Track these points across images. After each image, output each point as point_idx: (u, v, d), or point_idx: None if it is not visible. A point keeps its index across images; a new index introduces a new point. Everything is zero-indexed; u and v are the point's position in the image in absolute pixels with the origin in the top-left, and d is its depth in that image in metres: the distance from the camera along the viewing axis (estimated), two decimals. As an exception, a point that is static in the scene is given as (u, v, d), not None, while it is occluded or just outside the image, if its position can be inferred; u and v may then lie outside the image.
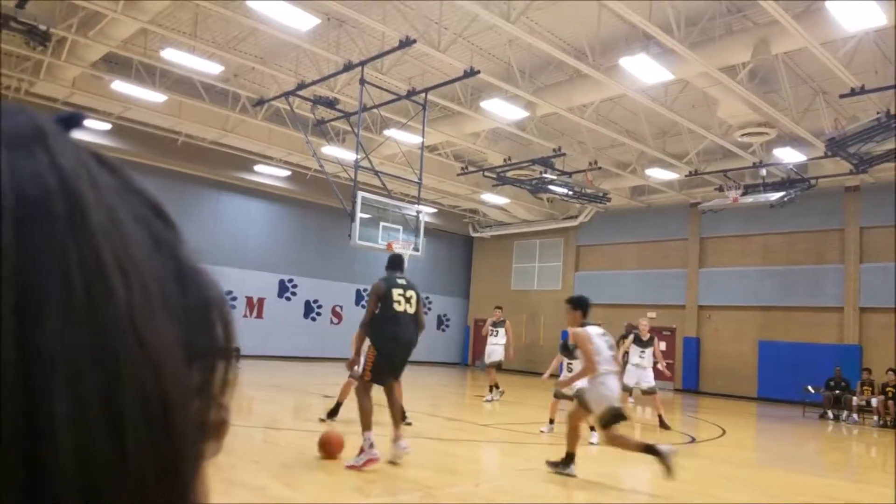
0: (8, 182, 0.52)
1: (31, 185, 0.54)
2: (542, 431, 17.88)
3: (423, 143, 26.79)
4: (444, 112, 31.23)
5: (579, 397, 12.54)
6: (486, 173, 35.49)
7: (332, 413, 16.48)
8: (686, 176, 34.64)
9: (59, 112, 0.70)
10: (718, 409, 29.95)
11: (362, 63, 24.20)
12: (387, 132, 30.88)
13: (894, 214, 33.61)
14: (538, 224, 47.66)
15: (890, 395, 27.80)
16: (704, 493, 11.63)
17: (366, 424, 11.36)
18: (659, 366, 22.00)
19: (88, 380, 0.51)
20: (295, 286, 42.41)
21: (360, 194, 23.55)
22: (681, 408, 29.72)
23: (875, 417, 27.70)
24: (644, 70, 22.83)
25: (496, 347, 25.42)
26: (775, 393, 35.52)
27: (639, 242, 43.99)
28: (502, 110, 28.02)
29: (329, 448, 11.94)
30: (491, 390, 25.12)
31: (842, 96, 23.54)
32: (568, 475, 12.11)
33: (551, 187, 34.48)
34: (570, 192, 35.16)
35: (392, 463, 11.76)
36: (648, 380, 21.49)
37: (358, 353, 12.40)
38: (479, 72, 24.14)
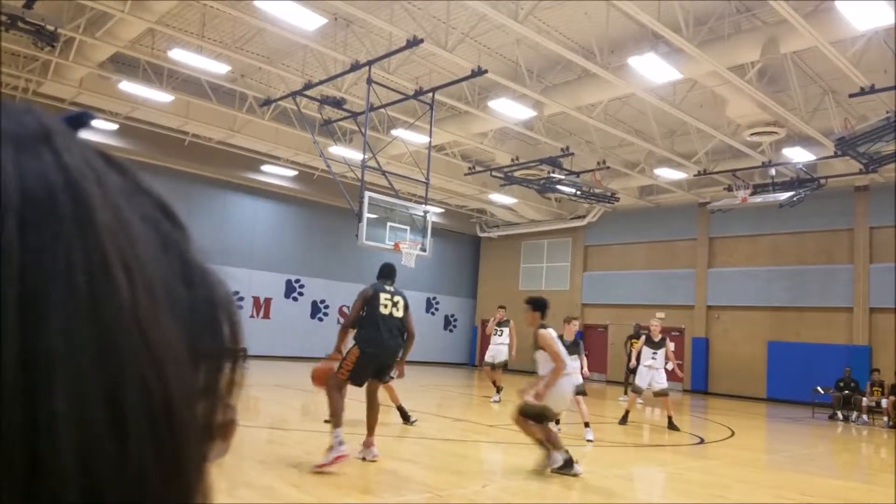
0: (12, 181, 0.52)
1: (36, 185, 0.53)
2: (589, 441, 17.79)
3: (430, 142, 26.78)
4: (452, 112, 31.18)
5: (528, 407, 12.69)
6: (494, 173, 35.42)
7: None
8: (695, 175, 34.56)
9: (67, 112, 0.64)
10: (727, 409, 29.87)
11: (369, 63, 24.15)
12: (394, 132, 30.90)
13: (904, 214, 33.56)
14: (546, 224, 47.59)
15: (900, 395, 27.75)
16: (714, 495, 11.54)
17: (335, 422, 11.26)
18: (669, 366, 21.88)
19: (91, 379, 0.51)
20: (302, 286, 42.39)
21: (368, 194, 23.51)
22: (689, 408, 29.62)
23: (885, 418, 27.56)
24: (653, 69, 22.76)
25: (501, 348, 25.38)
26: (785, 394, 35.45)
27: (647, 242, 43.93)
28: (510, 110, 27.96)
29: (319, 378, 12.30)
30: (499, 391, 25.07)
31: (851, 95, 23.47)
32: (573, 474, 12.12)
33: (559, 187, 34.39)
34: (578, 192, 35.06)
35: (362, 459, 11.85)
36: (661, 381, 21.40)
37: (339, 350, 12.33)
38: (486, 71, 24.08)
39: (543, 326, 13.08)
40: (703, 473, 13.66)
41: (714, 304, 40.46)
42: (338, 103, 27.50)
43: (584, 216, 45.37)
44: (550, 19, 23.12)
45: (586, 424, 17.52)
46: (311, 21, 21.84)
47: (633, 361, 23.01)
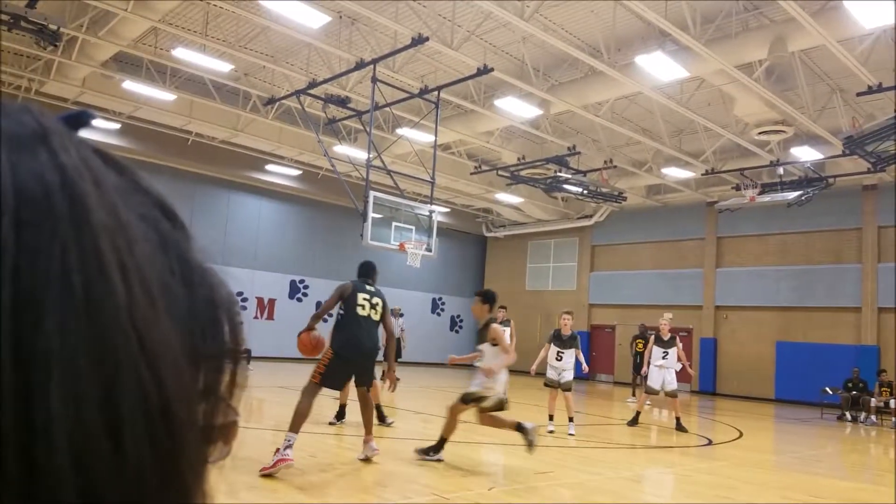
0: (8, 181, 0.53)
1: (32, 185, 0.54)
2: (550, 431, 18.08)
3: (435, 141, 26.67)
4: (458, 110, 31.12)
5: (471, 395, 12.83)
6: (500, 172, 35.38)
7: (339, 416, 16.35)
8: (702, 175, 34.44)
9: (67, 111, 0.65)
10: (735, 410, 29.80)
11: (374, 61, 24.10)
12: (399, 131, 30.80)
13: (912, 213, 33.48)
14: (553, 223, 47.57)
15: (908, 396, 27.65)
16: (722, 496, 11.43)
17: (293, 425, 11.07)
18: (679, 365, 21.76)
19: (87, 380, 0.51)
20: (306, 287, 42.25)
21: (373, 194, 23.45)
22: (697, 409, 29.53)
23: (893, 419, 27.43)
24: (660, 67, 22.67)
25: None
26: (793, 394, 35.38)
27: (655, 242, 43.90)
28: (516, 108, 27.87)
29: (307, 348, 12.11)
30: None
31: (859, 94, 23.38)
32: (437, 460, 12.48)
33: (566, 186, 34.34)
34: (585, 191, 34.99)
35: (365, 460, 11.83)
36: (672, 382, 21.34)
37: (310, 328, 12.23)
38: (492, 69, 23.98)
39: (493, 320, 13.32)
40: (710, 475, 13.56)
41: (722, 305, 40.40)
42: (342, 102, 27.44)
43: (591, 216, 45.40)
44: (557, 17, 23.03)
45: (570, 419, 18.17)
46: (315, 19, 21.78)
47: (646, 367, 22.89)
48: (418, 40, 22.06)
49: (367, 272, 12.66)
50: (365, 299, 12.10)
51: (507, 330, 25.17)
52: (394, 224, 24.57)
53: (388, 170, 26.71)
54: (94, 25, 24.55)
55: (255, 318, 39.81)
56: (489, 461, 14.52)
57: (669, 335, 21.92)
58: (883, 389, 28.71)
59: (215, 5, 23.11)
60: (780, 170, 32.01)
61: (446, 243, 43.59)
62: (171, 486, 0.56)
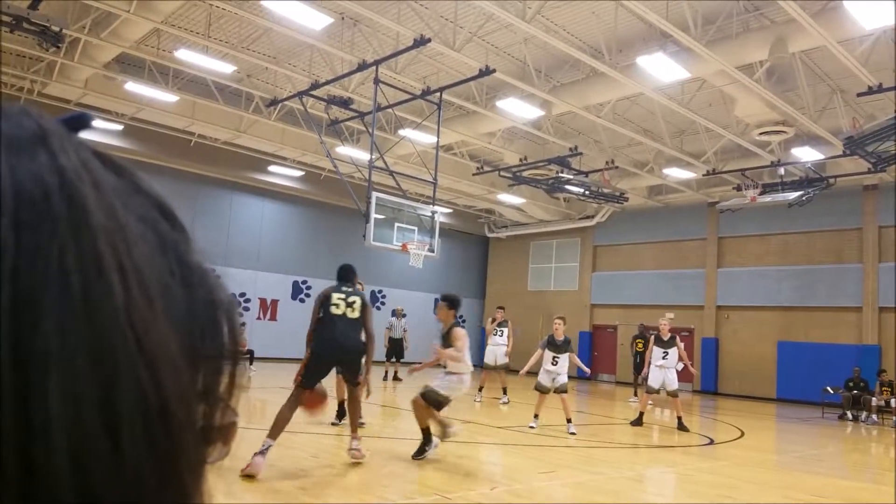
0: (8, 183, 0.53)
1: (31, 186, 0.54)
2: (531, 427, 18.34)
3: (438, 142, 26.72)
4: (460, 111, 31.14)
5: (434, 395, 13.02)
6: (502, 173, 35.38)
7: (339, 415, 16.38)
8: (704, 175, 34.47)
9: (69, 113, 0.65)
10: (737, 410, 29.83)
11: (377, 62, 24.13)
12: (401, 132, 30.82)
13: (913, 213, 33.52)
14: (554, 224, 47.56)
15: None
16: (723, 496, 11.47)
17: (272, 431, 11.02)
18: (679, 365, 21.81)
19: (85, 380, 0.52)
20: (309, 288, 42.13)
21: (375, 195, 23.50)
22: (699, 409, 29.56)
23: (894, 418, 27.47)
24: (661, 68, 22.71)
25: (502, 349, 25.34)
26: (794, 394, 35.40)
27: (656, 242, 43.91)
28: (518, 109, 27.90)
29: (311, 406, 11.94)
30: (504, 392, 25.01)
31: (859, 94, 23.41)
32: (434, 448, 12.85)
33: (568, 187, 34.34)
34: (587, 192, 35.00)
35: (355, 464, 11.75)
36: (673, 382, 21.39)
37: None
38: (494, 71, 24.03)
39: (457, 324, 13.57)
40: (712, 474, 13.60)
41: (723, 305, 40.40)
42: (345, 103, 27.50)
43: (592, 216, 45.36)
44: (558, 18, 23.07)
45: (568, 420, 18.16)
46: (317, 20, 21.80)
47: (646, 368, 22.97)
48: (420, 42, 22.08)
49: (343, 275, 12.67)
50: (340, 298, 12.11)
51: (505, 331, 25.34)
52: (396, 225, 24.61)
53: (390, 171, 26.76)
54: (97, 27, 24.56)
55: (258, 318, 39.81)
56: (491, 461, 14.57)
57: (669, 335, 21.94)
58: (884, 389, 28.74)
59: (218, 7, 23.13)
60: (781, 170, 32.03)
61: (448, 244, 43.65)
62: (170, 486, 0.57)
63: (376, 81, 24.39)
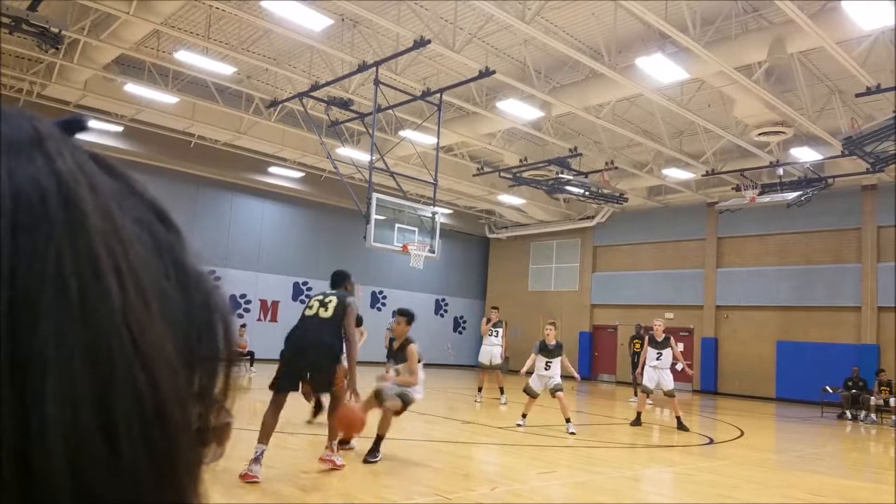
0: (5, 185, 0.53)
1: (28, 189, 0.54)
2: (518, 425, 18.48)
3: (438, 143, 26.76)
4: (460, 112, 31.17)
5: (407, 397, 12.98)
6: (502, 174, 35.40)
7: (316, 412, 16.37)
8: (703, 175, 34.53)
9: (62, 116, 0.64)
10: (737, 409, 29.84)
11: (377, 63, 24.16)
12: (402, 133, 30.83)
13: (911, 213, 33.57)
14: (555, 225, 47.58)
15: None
16: (723, 495, 11.51)
17: (261, 436, 10.57)
18: (678, 367, 21.86)
19: (81, 382, 0.52)
20: (309, 289, 42.06)
21: (375, 195, 23.53)
22: (699, 409, 29.58)
23: (893, 417, 27.52)
24: (660, 69, 22.74)
25: (498, 349, 25.38)
26: (794, 393, 35.44)
27: (656, 242, 43.93)
28: (518, 110, 27.95)
29: (349, 426, 11.25)
30: (502, 392, 25.04)
31: (858, 95, 23.49)
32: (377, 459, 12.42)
33: (568, 188, 34.36)
34: (587, 193, 35.01)
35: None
36: (668, 382, 21.40)
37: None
38: (494, 72, 24.07)
39: (411, 340, 13.48)
40: (712, 474, 13.63)
41: (723, 305, 40.43)
42: (345, 104, 27.55)
43: (592, 217, 45.40)
44: (558, 20, 23.12)
45: (567, 420, 18.23)
46: (317, 22, 21.81)
47: (639, 368, 23.06)
48: (420, 43, 22.10)
49: (333, 280, 12.47)
50: (317, 300, 11.72)
51: (500, 331, 25.37)
52: (397, 226, 24.63)
53: (390, 172, 26.79)
54: (96, 28, 24.58)
55: (259, 320, 39.77)
56: (491, 461, 14.59)
57: (664, 336, 21.97)
58: (882, 388, 28.79)
59: (217, 8, 23.18)
60: (780, 170, 32.07)
61: (449, 245, 43.63)
62: (167, 486, 0.58)
63: (376, 82, 24.42)
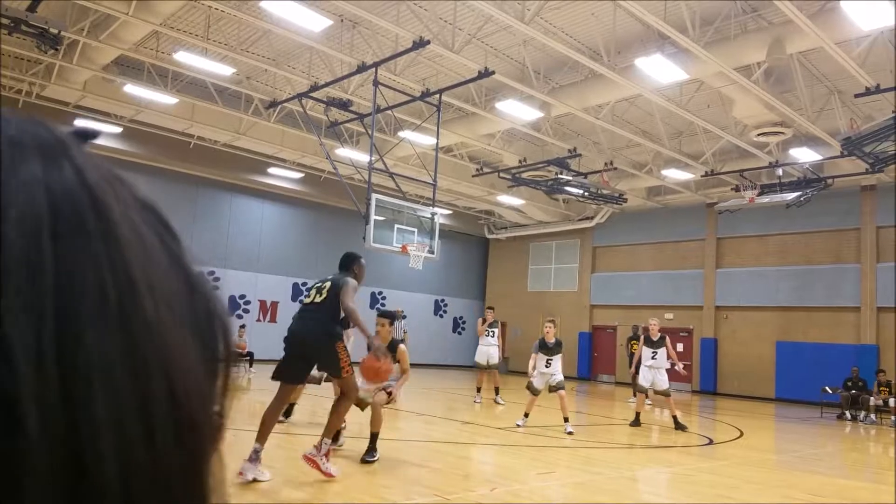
0: (42, 196, 0.54)
1: (62, 198, 0.55)
2: (518, 425, 18.56)
3: (437, 144, 26.74)
4: (459, 113, 31.17)
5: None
6: (502, 174, 35.40)
7: (286, 413, 16.26)
8: (702, 176, 34.54)
9: (69, 121, 0.65)
10: (736, 410, 29.84)
11: (376, 64, 24.16)
12: (401, 134, 30.80)
13: (911, 214, 33.59)
14: (554, 225, 47.60)
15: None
16: (723, 496, 11.51)
17: (258, 435, 10.36)
18: (676, 367, 21.88)
19: (125, 389, 0.53)
20: (309, 289, 42.01)
21: (375, 196, 23.54)
22: (698, 409, 29.60)
23: (893, 417, 27.53)
24: (659, 70, 22.74)
25: (494, 349, 25.40)
26: (793, 394, 35.45)
27: (655, 243, 43.92)
28: (517, 111, 27.95)
29: (375, 373, 11.22)
30: (497, 391, 25.07)
31: (857, 96, 23.49)
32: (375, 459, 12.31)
33: (567, 188, 34.34)
34: (586, 193, 34.99)
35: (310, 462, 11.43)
36: (662, 381, 21.41)
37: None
38: (493, 72, 24.07)
39: (401, 341, 13.54)
40: (711, 474, 13.63)
41: (722, 305, 40.43)
42: (344, 105, 27.51)
43: (592, 217, 45.41)
44: (557, 20, 23.12)
45: (566, 419, 18.27)
46: (316, 22, 21.79)
47: (633, 368, 23.13)
48: (419, 43, 22.10)
49: (341, 263, 12.10)
50: (315, 287, 11.66)
51: (496, 331, 25.41)
52: (396, 226, 24.62)
53: (390, 172, 26.77)
54: (96, 29, 24.57)
55: (258, 320, 39.73)
56: (491, 461, 14.59)
57: (659, 335, 21.99)
58: (882, 388, 28.81)
59: (217, 9, 23.17)
60: (780, 171, 32.08)
61: (448, 245, 43.61)
62: (195, 487, 0.60)
63: (375, 83, 24.41)
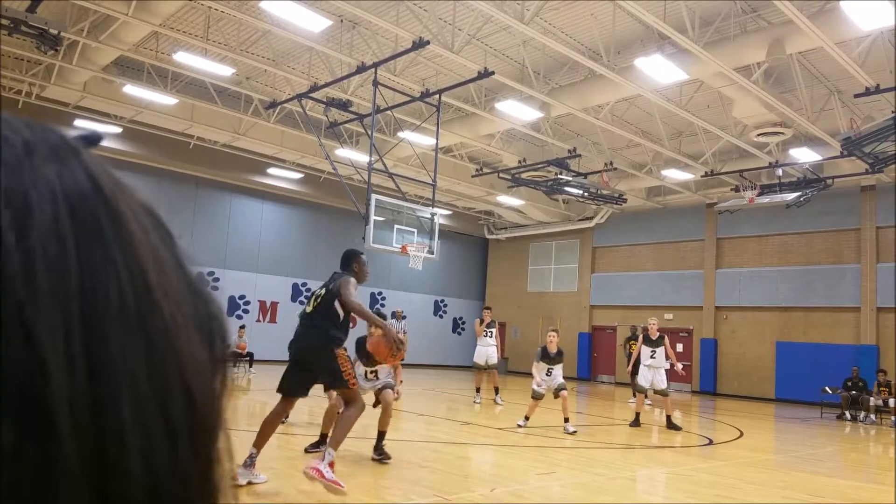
0: (63, 205, 0.55)
1: (81, 208, 0.56)
2: (519, 425, 18.68)
3: (437, 144, 26.73)
4: (459, 113, 31.17)
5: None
6: (501, 175, 35.37)
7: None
8: (702, 176, 34.53)
9: (69, 121, 0.66)
10: (736, 410, 29.85)
11: (375, 65, 24.14)
12: (401, 134, 30.78)
13: (911, 214, 33.59)
14: (554, 225, 47.57)
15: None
16: (722, 496, 11.52)
17: (255, 439, 10.28)
18: (675, 367, 21.88)
19: (146, 389, 0.55)
20: (308, 290, 41.82)
21: (374, 197, 23.53)
22: (698, 409, 29.60)
23: (893, 418, 27.52)
24: (659, 70, 22.72)
25: (493, 350, 25.40)
26: (793, 394, 35.44)
27: (655, 243, 43.91)
28: (517, 111, 27.92)
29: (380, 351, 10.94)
30: (496, 391, 25.10)
31: (857, 96, 23.47)
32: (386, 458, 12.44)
33: (567, 188, 34.31)
34: (586, 194, 34.95)
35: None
36: (661, 381, 21.42)
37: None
38: (493, 73, 24.06)
39: None
40: (710, 474, 13.63)
41: (722, 305, 40.40)
42: (344, 105, 27.48)
43: (591, 217, 45.39)
44: (556, 20, 23.12)
45: (566, 420, 18.46)
46: (316, 23, 21.78)
47: (630, 367, 23.18)
48: (419, 44, 22.08)
49: (341, 262, 11.56)
50: (314, 295, 11.16)
51: (494, 331, 25.43)
52: (396, 227, 24.61)
53: (389, 173, 26.74)
54: (95, 30, 24.55)
55: (258, 321, 39.72)
56: (491, 462, 14.59)
57: (658, 335, 22.02)
58: (882, 388, 28.80)
59: (216, 9, 23.17)
60: (779, 171, 32.07)
61: (448, 245, 43.58)
62: (207, 483, 0.62)
63: (375, 84, 24.39)
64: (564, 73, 26.39)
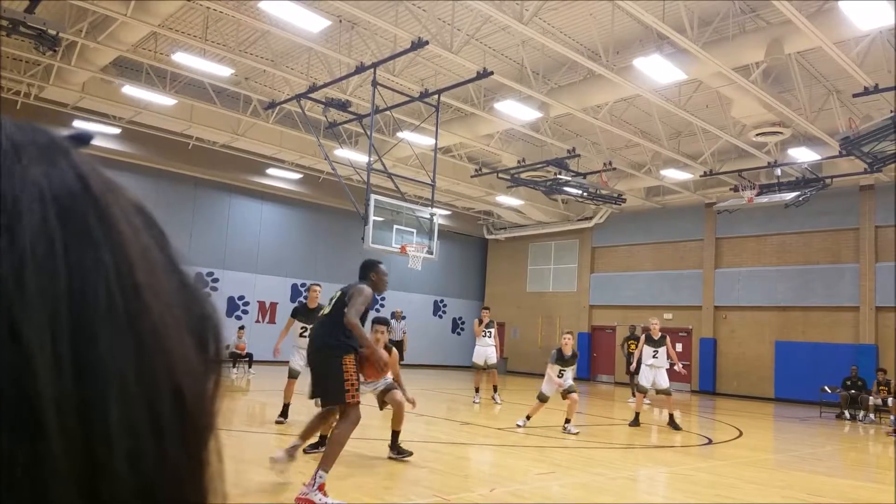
0: (51, 206, 0.55)
1: (70, 209, 0.56)
2: (518, 425, 18.72)
3: (436, 144, 26.70)
4: (458, 114, 31.17)
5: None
6: (500, 175, 35.37)
7: (283, 414, 16.49)
8: (701, 176, 34.53)
9: (68, 122, 0.65)
10: (735, 410, 29.83)
11: (374, 65, 24.12)
12: (400, 134, 30.76)
13: (910, 213, 33.58)
14: (553, 225, 47.54)
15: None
16: (722, 495, 11.52)
17: (302, 432, 10.58)
18: (676, 367, 21.91)
19: (134, 390, 0.55)
20: (308, 290, 42.05)
21: (374, 197, 23.52)
22: (697, 409, 29.60)
23: (891, 417, 27.51)
24: (658, 70, 22.73)
25: (492, 350, 25.41)
26: (792, 393, 35.45)
27: (654, 243, 43.91)
28: (516, 111, 27.91)
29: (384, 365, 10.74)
30: (496, 389, 25.12)
31: (855, 95, 23.47)
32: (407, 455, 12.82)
33: (566, 188, 34.30)
34: (585, 193, 34.95)
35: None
36: (663, 381, 21.44)
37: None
38: (492, 73, 24.05)
39: (389, 345, 13.36)
40: (710, 474, 13.63)
41: (721, 305, 40.39)
42: (343, 106, 27.47)
43: (590, 217, 45.38)
44: (555, 20, 23.12)
45: (567, 420, 18.55)
46: (315, 23, 21.77)
47: (633, 364, 23.19)
48: (418, 44, 22.07)
49: (359, 273, 11.14)
50: (330, 299, 10.98)
51: (492, 331, 25.44)
52: (395, 227, 24.59)
53: (388, 173, 26.72)
54: (94, 30, 24.54)
55: (257, 321, 39.67)
56: (490, 462, 14.59)
57: (660, 334, 22.04)
58: (881, 388, 28.81)
59: (215, 10, 23.16)
60: (778, 171, 32.08)
61: (447, 246, 43.54)
62: (198, 483, 0.62)
63: (374, 84, 24.36)
64: (563, 73, 26.39)
